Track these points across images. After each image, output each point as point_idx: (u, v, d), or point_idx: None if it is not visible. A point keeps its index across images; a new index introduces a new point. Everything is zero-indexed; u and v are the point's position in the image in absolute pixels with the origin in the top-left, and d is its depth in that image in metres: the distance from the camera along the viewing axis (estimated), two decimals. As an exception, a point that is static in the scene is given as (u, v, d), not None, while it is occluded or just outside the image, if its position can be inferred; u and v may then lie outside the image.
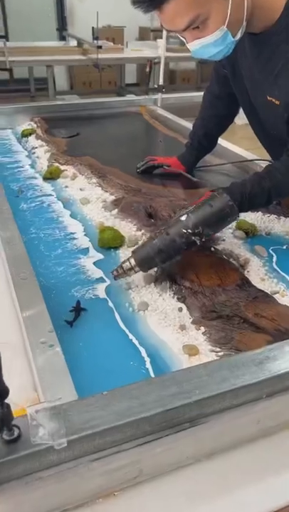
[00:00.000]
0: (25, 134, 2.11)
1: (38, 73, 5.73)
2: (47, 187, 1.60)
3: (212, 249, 1.15)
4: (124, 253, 1.18)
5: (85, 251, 1.20)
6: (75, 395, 0.70)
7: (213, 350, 0.86)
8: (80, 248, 1.21)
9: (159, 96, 2.52)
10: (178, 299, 0.98)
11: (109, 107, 2.49)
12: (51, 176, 1.65)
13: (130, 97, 2.78)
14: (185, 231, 0.97)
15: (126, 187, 1.48)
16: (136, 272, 1.00)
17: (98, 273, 1.11)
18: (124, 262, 1.00)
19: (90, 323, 0.95)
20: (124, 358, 0.86)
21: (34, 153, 1.92)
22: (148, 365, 0.84)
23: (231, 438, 0.70)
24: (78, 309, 0.97)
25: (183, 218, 0.99)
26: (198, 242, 0.99)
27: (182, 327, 0.91)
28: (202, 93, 1.62)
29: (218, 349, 0.86)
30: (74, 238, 1.26)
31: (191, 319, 0.94)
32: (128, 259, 1.00)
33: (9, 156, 1.92)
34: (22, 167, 1.80)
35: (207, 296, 0.97)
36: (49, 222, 1.35)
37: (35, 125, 2.21)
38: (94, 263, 1.15)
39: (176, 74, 6.89)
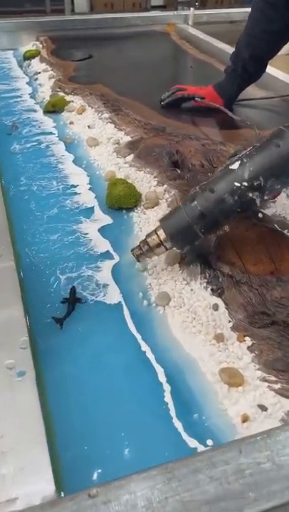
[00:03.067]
0: (28, 57, 1.76)
1: (56, -8, 5.15)
2: (48, 122, 1.28)
3: (259, 215, 0.83)
4: (140, 216, 0.88)
5: (88, 212, 0.91)
6: (49, 471, 0.43)
7: (265, 379, 0.58)
8: (82, 208, 0.92)
9: (190, 12, 2.08)
10: (213, 290, 0.70)
11: (130, 25, 2.07)
12: (54, 109, 1.33)
13: (155, 13, 2.32)
14: (239, 185, 0.66)
15: (146, 125, 1.16)
16: (167, 250, 0.70)
17: (104, 245, 0.82)
18: (149, 235, 0.70)
19: (87, 322, 0.67)
20: (133, 382, 0.59)
21: (36, 79, 1.58)
22: (168, 396, 0.57)
23: None
24: (73, 300, 0.70)
25: (234, 166, 0.66)
26: (258, 201, 0.67)
27: (219, 337, 0.63)
28: (245, 9, 1.22)
29: (272, 378, 0.58)
30: (75, 193, 0.96)
31: (232, 323, 0.65)
32: (155, 232, 0.69)
33: (6, 83, 1.58)
34: (20, 97, 1.47)
35: (255, 289, 0.68)
36: (46, 169, 1.05)
37: (40, 45, 1.85)
38: (99, 230, 0.86)
39: (208, -6, 6.12)
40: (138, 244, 0.72)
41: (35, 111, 1.36)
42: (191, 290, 0.70)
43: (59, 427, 0.52)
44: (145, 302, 0.70)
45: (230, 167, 0.67)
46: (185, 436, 0.53)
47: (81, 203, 0.93)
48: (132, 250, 0.72)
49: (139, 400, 0.57)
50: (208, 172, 0.97)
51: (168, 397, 0.57)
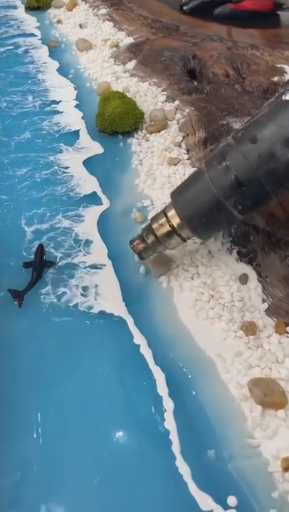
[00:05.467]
0: None
1: None
2: (29, 21, 1.04)
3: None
4: (141, 144, 0.65)
5: (72, 137, 0.69)
6: None
7: None
8: (64, 131, 0.70)
9: None
10: (240, 254, 0.48)
11: None
12: (38, 4, 1.07)
13: None
14: None
15: (154, 22, 0.90)
16: (183, 241, 0.46)
17: (90, 184, 0.60)
18: (155, 218, 0.46)
19: (58, 299, 0.47)
20: (117, 396, 0.40)
21: None
22: (169, 420, 0.38)
23: None
24: (40, 265, 0.49)
25: None
26: None
27: (248, 326, 0.43)
28: None
29: None
30: (57, 112, 0.74)
31: (267, 304, 0.45)
32: (164, 213, 0.45)
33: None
34: (-2, -10, 1.18)
35: (303, 254, 0.47)
36: (21, 80, 0.82)
37: None
38: (85, 162, 0.64)
39: None
40: (140, 233, 0.48)
41: (15, 7, 1.10)
42: (209, 253, 0.49)
43: None
44: (142, 269, 0.49)
45: (284, 97, 0.40)
46: (194, 488, 0.35)
47: (63, 125, 0.70)
48: (132, 242, 0.48)
49: (125, 426, 0.38)
50: (236, 84, 0.72)
51: (170, 421, 0.38)
